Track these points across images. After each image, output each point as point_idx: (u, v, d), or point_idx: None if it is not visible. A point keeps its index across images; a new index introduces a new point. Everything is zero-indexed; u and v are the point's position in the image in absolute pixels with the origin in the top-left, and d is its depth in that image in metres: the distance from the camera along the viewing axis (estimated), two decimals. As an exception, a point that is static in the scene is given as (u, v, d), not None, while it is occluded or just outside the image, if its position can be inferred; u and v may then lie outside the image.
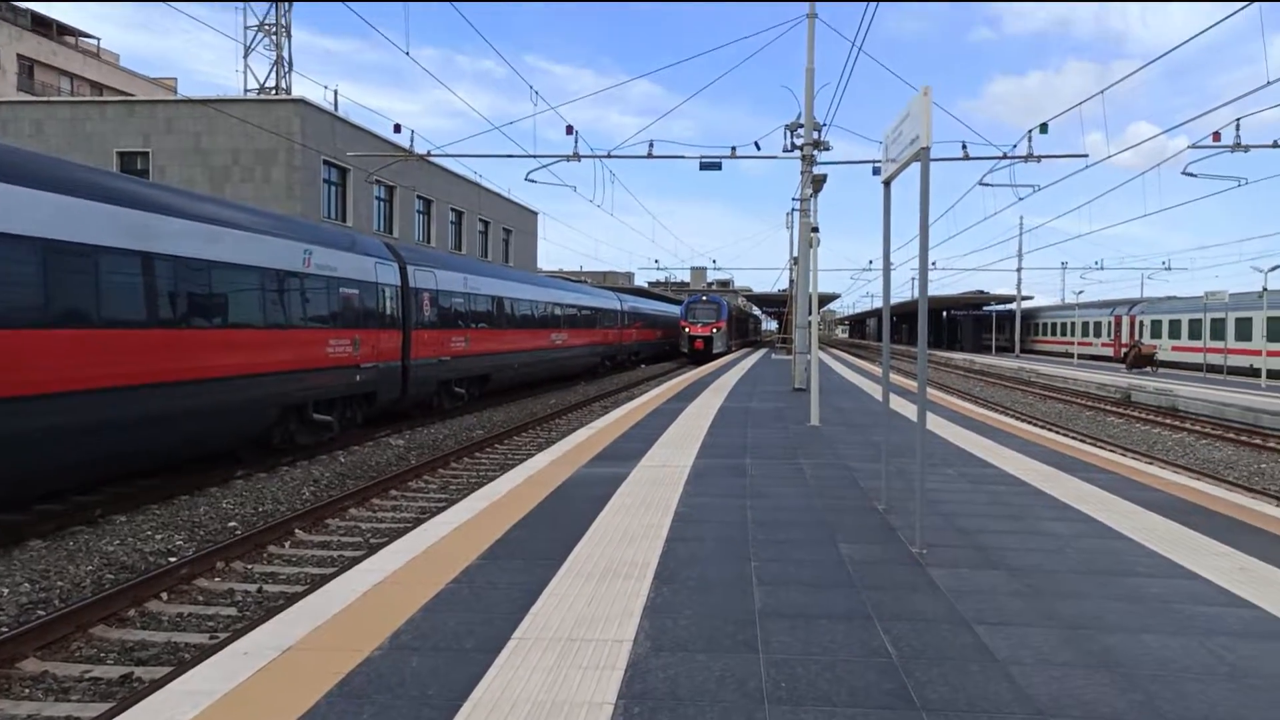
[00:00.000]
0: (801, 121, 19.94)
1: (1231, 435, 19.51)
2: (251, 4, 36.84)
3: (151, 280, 11.11)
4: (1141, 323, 46.67)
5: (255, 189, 27.91)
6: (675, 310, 55.51)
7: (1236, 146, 20.85)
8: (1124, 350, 42.91)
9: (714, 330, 47.74)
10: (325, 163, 29.56)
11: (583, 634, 4.30)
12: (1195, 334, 39.92)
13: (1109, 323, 52.08)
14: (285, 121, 28.00)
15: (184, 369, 11.58)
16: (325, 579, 7.90)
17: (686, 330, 48.26)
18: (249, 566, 8.74)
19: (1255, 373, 34.03)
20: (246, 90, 36.39)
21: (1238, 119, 20.62)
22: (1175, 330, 42.81)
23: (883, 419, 7.68)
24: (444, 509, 8.56)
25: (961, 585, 5.17)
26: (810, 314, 19.50)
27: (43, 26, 49.20)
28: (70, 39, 52.82)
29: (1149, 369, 37.50)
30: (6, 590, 7.73)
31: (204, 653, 6.15)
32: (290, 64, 37.32)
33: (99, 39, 58.41)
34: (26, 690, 5.82)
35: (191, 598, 7.83)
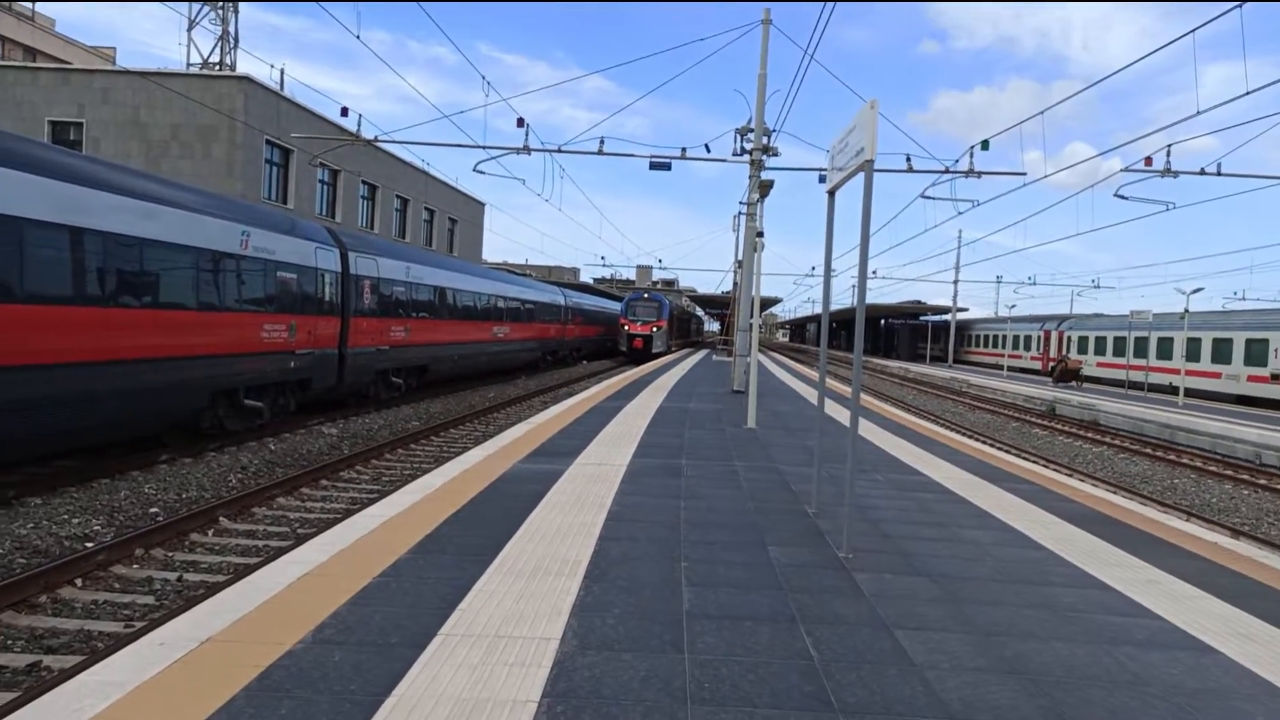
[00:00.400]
0: (752, 126, 20.11)
1: (1149, 450, 20.26)
2: (196, -25, 35.77)
3: (80, 256, 10.75)
4: (1069, 338, 48.12)
5: (195, 166, 27.16)
6: (619, 307, 54.63)
7: (1167, 172, 21.61)
8: (1051, 364, 44.20)
9: (654, 329, 46.75)
10: (268, 143, 28.89)
11: (510, 631, 4.30)
12: (1119, 351, 41.32)
13: (1039, 337, 53.59)
14: (228, 98, 27.30)
15: (112, 348, 11.24)
16: (249, 569, 7.74)
17: (626, 328, 47.18)
18: (170, 554, 8.52)
19: (1174, 391, 35.36)
20: (190, 65, 35.35)
21: (1169, 145, 21.36)
22: (1101, 347, 44.24)
23: (817, 424, 7.81)
24: (375, 501, 8.45)
25: (884, 590, 5.29)
26: (752, 317, 19.70)
27: (-28, -15, 47.13)
28: (3, 1, 50.72)
29: (1074, 384, 38.69)
30: (-90, 572, 7.41)
31: (118, 642, 5.98)
32: (236, 39, 36.37)
33: (34, 2, 56.25)
34: (-73, 677, 5.60)
35: (108, 585, 7.61)
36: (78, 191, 10.75)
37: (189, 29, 35.42)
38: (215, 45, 34.49)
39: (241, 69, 32.58)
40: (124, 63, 42.16)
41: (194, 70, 31.34)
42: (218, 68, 33.77)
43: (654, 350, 46.25)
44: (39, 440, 10.54)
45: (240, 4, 35.38)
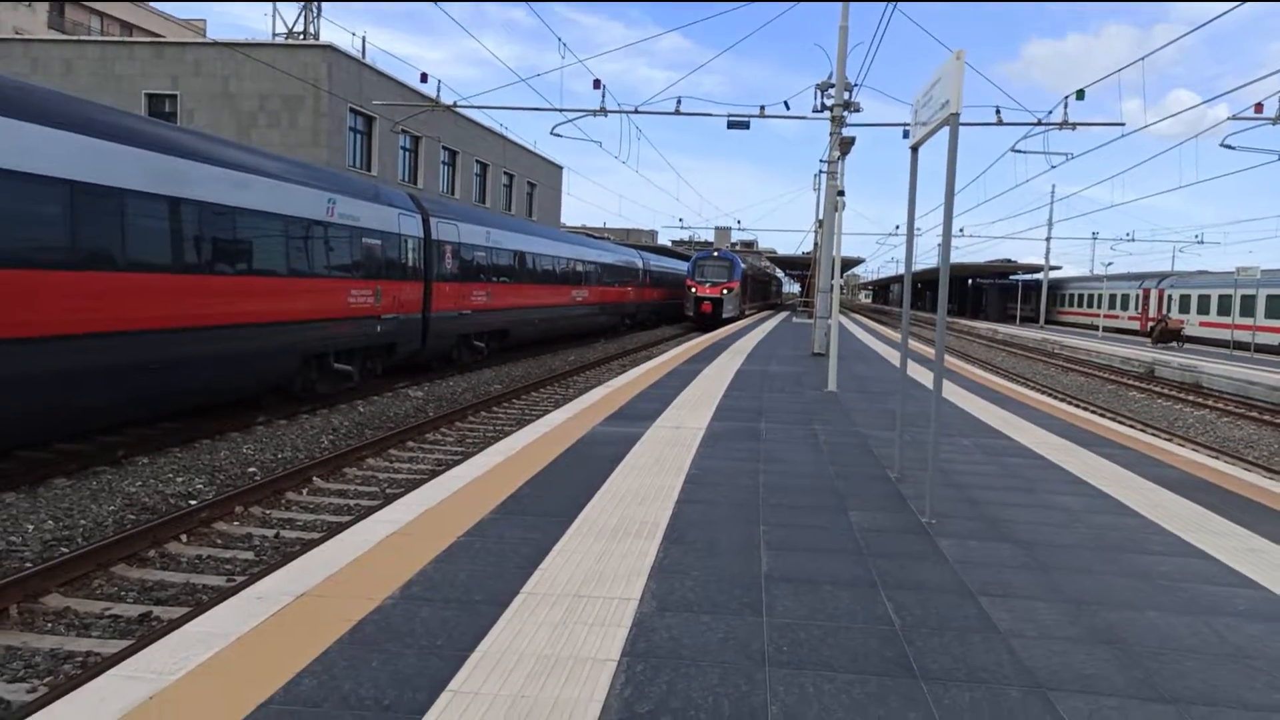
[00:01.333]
0: (833, 81, 19.60)
1: (1255, 414, 19.29)
2: (280, -53, 36.45)
3: (177, 225, 11.19)
4: (1170, 297, 46.00)
5: (281, 135, 27.89)
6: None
7: (1279, 118, 20.34)
8: (1150, 324, 42.37)
9: (724, 291, 41.91)
10: (351, 110, 29.45)
11: (590, 591, 4.36)
12: (1224, 310, 39.33)
13: (1137, 295, 51.38)
14: (313, 68, 27.87)
15: (208, 314, 11.71)
16: (341, 527, 8.03)
17: (693, 291, 42.33)
18: (267, 512, 8.90)
19: (1284, 351, 33.54)
20: (275, 35, 36.21)
21: (1281, 91, 20.09)
22: (1204, 305, 42.17)
23: (900, 386, 7.66)
24: (459, 462, 8.66)
25: (969, 556, 5.18)
26: (833, 279, 19.37)
27: (72, -35, 49.02)
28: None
29: (1175, 344, 37.04)
30: (31, 527, 7.92)
31: (220, 595, 6.29)
32: (319, 9, 37.04)
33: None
34: (49, 625, 6.00)
35: (210, 541, 7.99)
36: (174, 163, 11.15)
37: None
38: (299, 15, 35.15)
39: (325, 38, 33.17)
40: (214, 35, 43.39)
41: (279, 40, 32.06)
42: (302, 37, 34.46)
43: (725, 315, 41.71)
44: (142, 403, 11.08)
45: (323, -26, 35.88)
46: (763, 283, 68.10)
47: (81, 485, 9.37)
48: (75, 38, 35.82)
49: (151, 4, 51.42)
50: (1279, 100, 20.24)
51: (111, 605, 6.31)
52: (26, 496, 8.81)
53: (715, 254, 44.32)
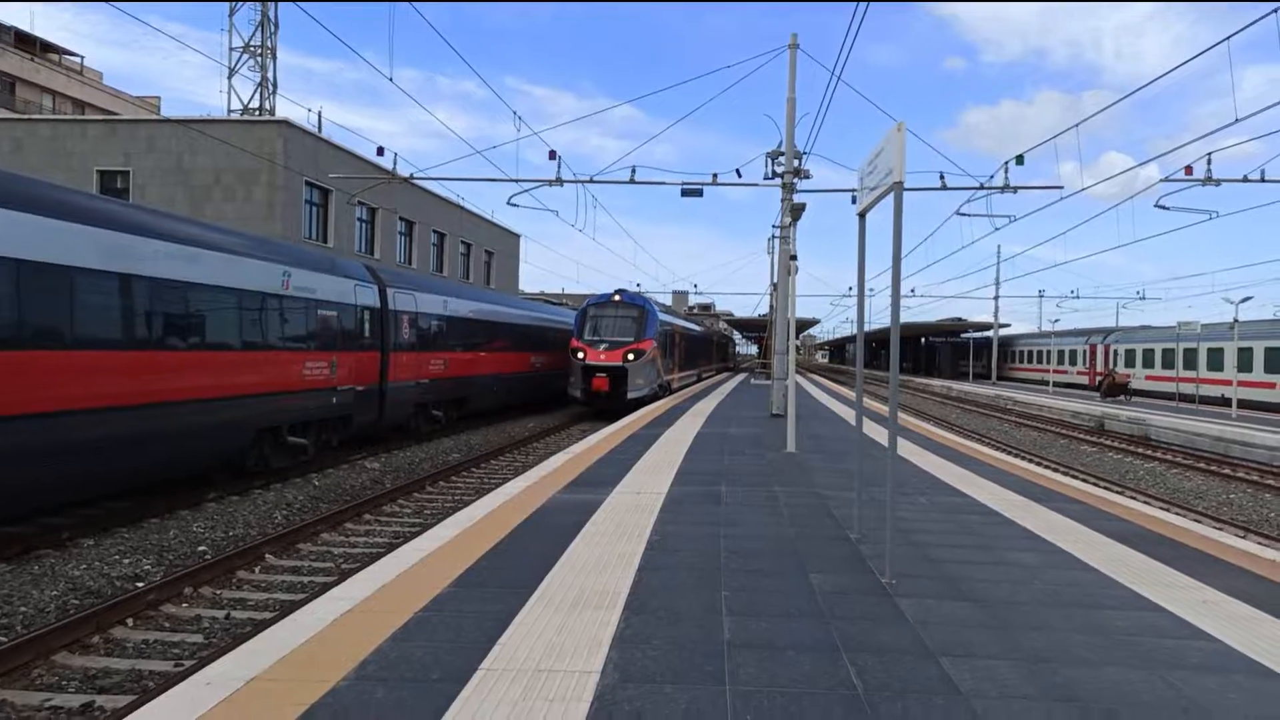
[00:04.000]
0: (782, 150, 20.15)
1: (1202, 465, 19.74)
2: (237, 26, 36.88)
3: (128, 301, 11.04)
4: (1116, 351, 47.21)
5: (237, 209, 27.80)
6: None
7: (1208, 180, 21.20)
8: (1098, 378, 43.35)
9: (628, 357, 27.42)
10: (307, 184, 29.51)
11: (551, 665, 4.29)
12: (1168, 363, 40.43)
13: (1084, 351, 52.64)
14: (268, 142, 27.96)
15: (158, 390, 11.49)
16: (294, 606, 7.82)
17: (581, 357, 27.73)
18: (217, 592, 8.65)
19: (1227, 402, 34.48)
20: (230, 110, 36.36)
21: (1209, 153, 20.99)
22: (1149, 359, 43.33)
23: (857, 446, 7.73)
24: (418, 534, 8.52)
25: (929, 616, 5.20)
26: (789, 340, 19.62)
27: (26, 44, 49.02)
28: (54, 56, 52.64)
29: (1123, 397, 37.90)
30: (-31, 615, 7.59)
31: (168, 682, 6.07)
32: (275, 85, 37.35)
33: (82, 57, 58.30)
34: (-15, 719, 5.73)
35: (158, 624, 7.73)
36: (124, 239, 11.06)
37: (229, 76, 36.44)
38: (254, 91, 35.42)
39: (280, 113, 33.39)
40: (168, 110, 43.46)
41: (234, 116, 32.19)
42: (257, 113, 34.66)
43: (631, 394, 27.21)
44: (90, 483, 10.78)
45: (277, 50, 36.34)
46: (703, 342, 52.44)
47: (22, 570, 9.04)
48: (26, 116, 35.65)
49: (103, 83, 51.48)
50: (1206, 162, 21.19)
51: (52, 696, 6.05)
52: (-37, 584, 8.47)
53: (616, 297, 29.89)
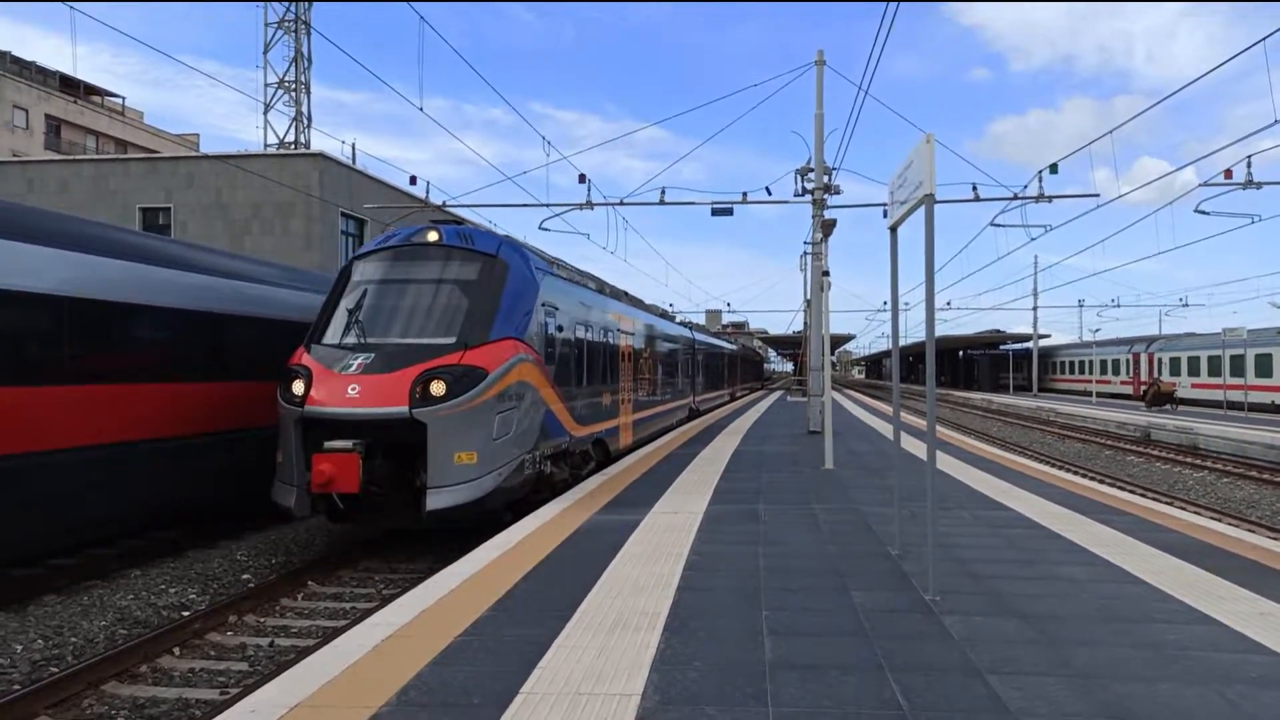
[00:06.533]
0: (812, 166, 20.12)
1: (1254, 474, 19.22)
2: (271, 62, 37.72)
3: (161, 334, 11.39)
4: (1160, 360, 46.30)
5: (275, 241, 28.31)
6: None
7: (1248, 183, 20.79)
8: (1143, 388, 42.53)
9: (429, 393, 9.58)
10: (343, 214, 30.00)
11: (591, 688, 4.28)
12: (1215, 371, 39.55)
13: (1127, 360, 51.70)
14: (304, 175, 28.49)
15: (222, 420, 11.95)
16: (336, 632, 7.87)
17: (297, 393, 9.91)
18: (261, 620, 8.73)
19: (1277, 409, 33.62)
20: (266, 145, 37.15)
21: (1248, 156, 20.61)
22: (1194, 367, 42.42)
23: (895, 461, 7.65)
24: (457, 558, 8.54)
25: (975, 633, 5.10)
26: (823, 356, 19.49)
27: (70, 87, 50.56)
28: (96, 98, 54.22)
29: (1169, 406, 37.11)
30: (20, 647, 7.74)
31: (213, 710, 6.13)
32: (310, 119, 38.11)
33: (124, 98, 59.96)
34: (38, 748, 5.81)
35: (204, 652, 7.82)
36: (168, 274, 11.33)
37: (265, 112, 37.24)
38: (290, 126, 36.14)
39: (315, 146, 34.03)
40: (206, 146, 44.48)
41: (271, 150, 32.85)
42: (293, 147, 35.35)
43: (438, 503, 9.55)
44: (148, 510, 11.10)
45: (311, 85, 37.12)
46: (734, 360, 47.46)
47: (72, 601, 9.20)
48: (71, 157, 36.68)
49: (145, 122, 52.89)
50: (1246, 165, 20.78)
51: (101, 726, 6.13)
52: (16, 615, 8.63)
53: (432, 236, 11.27)
